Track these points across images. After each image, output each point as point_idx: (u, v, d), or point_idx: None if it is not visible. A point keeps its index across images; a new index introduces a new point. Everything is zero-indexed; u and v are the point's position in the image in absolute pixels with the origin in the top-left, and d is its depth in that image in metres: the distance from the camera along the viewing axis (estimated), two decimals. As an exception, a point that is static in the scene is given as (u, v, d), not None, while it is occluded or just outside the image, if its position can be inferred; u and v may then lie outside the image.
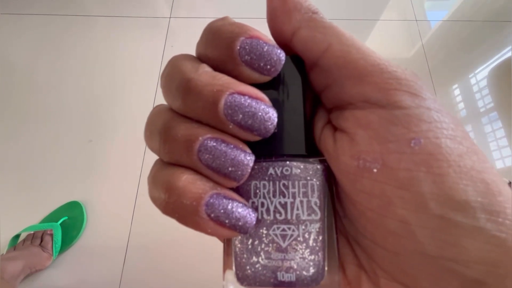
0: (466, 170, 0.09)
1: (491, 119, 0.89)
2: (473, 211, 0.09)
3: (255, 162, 0.11)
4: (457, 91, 0.92)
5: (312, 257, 0.11)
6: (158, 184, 0.11)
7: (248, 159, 0.10)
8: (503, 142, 0.86)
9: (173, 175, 0.10)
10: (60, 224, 0.69)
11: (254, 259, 0.12)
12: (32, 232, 0.68)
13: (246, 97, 0.10)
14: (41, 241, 0.66)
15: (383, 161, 0.10)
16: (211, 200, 0.10)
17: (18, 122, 0.83)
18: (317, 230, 0.11)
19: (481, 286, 0.09)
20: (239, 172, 0.10)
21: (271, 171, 0.11)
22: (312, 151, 0.12)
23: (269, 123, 0.10)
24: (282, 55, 0.11)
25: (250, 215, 0.10)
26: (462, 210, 0.09)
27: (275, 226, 0.11)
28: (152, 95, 0.85)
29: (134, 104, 0.85)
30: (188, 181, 0.10)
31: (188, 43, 0.99)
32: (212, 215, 0.10)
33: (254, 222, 0.11)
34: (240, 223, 0.10)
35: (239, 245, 0.12)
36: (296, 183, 0.11)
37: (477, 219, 0.09)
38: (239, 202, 0.11)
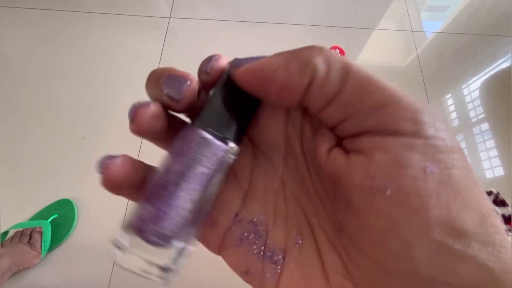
0: (470, 201, 0.10)
1: (482, 129, 0.91)
2: (469, 240, 0.09)
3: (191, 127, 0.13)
4: (450, 101, 0.94)
5: (179, 219, 0.12)
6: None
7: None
8: (493, 152, 0.87)
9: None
10: (50, 222, 0.68)
11: (137, 206, 0.13)
12: (21, 229, 0.67)
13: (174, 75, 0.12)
14: (30, 239, 0.65)
15: (398, 185, 0.10)
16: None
17: (10, 117, 0.82)
18: (195, 199, 0.12)
19: None
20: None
21: (198, 135, 0.13)
22: (235, 139, 0.13)
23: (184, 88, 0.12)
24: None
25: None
26: (461, 238, 0.09)
27: (169, 181, 0.12)
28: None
29: (130, 103, 0.84)
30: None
31: (186, 44, 1.00)
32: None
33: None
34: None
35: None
36: (209, 154, 0.12)
37: (471, 248, 0.09)
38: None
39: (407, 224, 0.10)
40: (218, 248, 0.14)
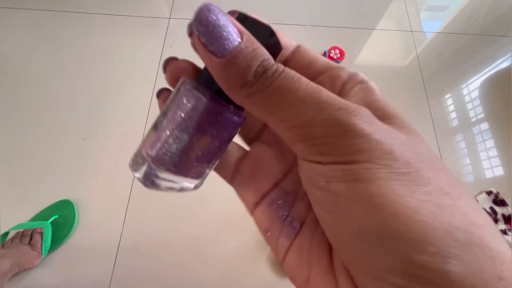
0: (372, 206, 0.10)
1: (482, 129, 0.91)
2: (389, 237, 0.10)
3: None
4: (449, 101, 0.94)
5: (160, 147, 0.14)
6: None
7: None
8: (492, 152, 0.88)
9: None
10: (51, 223, 0.68)
11: None
12: (22, 230, 0.67)
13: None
14: (31, 240, 0.65)
15: (312, 191, 0.12)
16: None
17: (11, 118, 0.82)
18: (173, 137, 0.14)
19: None
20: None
21: (180, 84, 0.14)
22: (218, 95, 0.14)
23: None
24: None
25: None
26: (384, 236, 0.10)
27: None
28: (148, 95, 0.85)
29: (130, 104, 0.85)
30: None
31: (187, 44, 0.98)
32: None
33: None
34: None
35: None
36: (184, 100, 0.14)
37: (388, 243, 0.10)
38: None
39: (328, 221, 0.12)
40: (253, 206, 0.16)
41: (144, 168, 0.14)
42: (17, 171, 0.77)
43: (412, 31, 1.03)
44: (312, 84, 0.11)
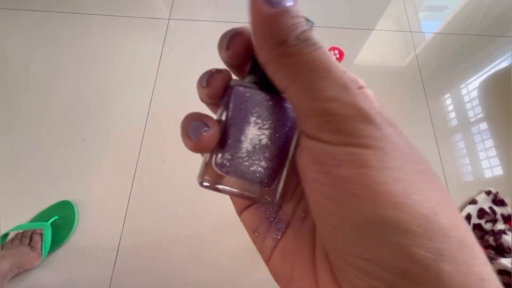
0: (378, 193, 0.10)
1: (481, 129, 0.91)
2: (387, 227, 0.10)
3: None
4: (448, 101, 0.94)
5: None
6: None
7: None
8: (491, 152, 0.88)
9: None
10: (51, 224, 0.68)
11: None
12: (21, 231, 0.67)
13: None
14: (30, 240, 0.65)
15: (315, 177, 0.12)
16: None
17: (11, 119, 0.82)
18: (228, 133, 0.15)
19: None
20: None
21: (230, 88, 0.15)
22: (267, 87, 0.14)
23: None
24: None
25: None
26: (381, 227, 0.10)
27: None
28: (148, 96, 0.85)
29: (130, 105, 0.85)
30: None
31: (186, 45, 1.00)
32: None
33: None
34: None
35: None
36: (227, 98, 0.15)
37: (389, 234, 0.10)
38: None
39: (327, 209, 0.11)
40: (242, 210, 0.17)
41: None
42: (17, 171, 0.77)
43: (411, 31, 1.03)
44: (342, 68, 0.12)
